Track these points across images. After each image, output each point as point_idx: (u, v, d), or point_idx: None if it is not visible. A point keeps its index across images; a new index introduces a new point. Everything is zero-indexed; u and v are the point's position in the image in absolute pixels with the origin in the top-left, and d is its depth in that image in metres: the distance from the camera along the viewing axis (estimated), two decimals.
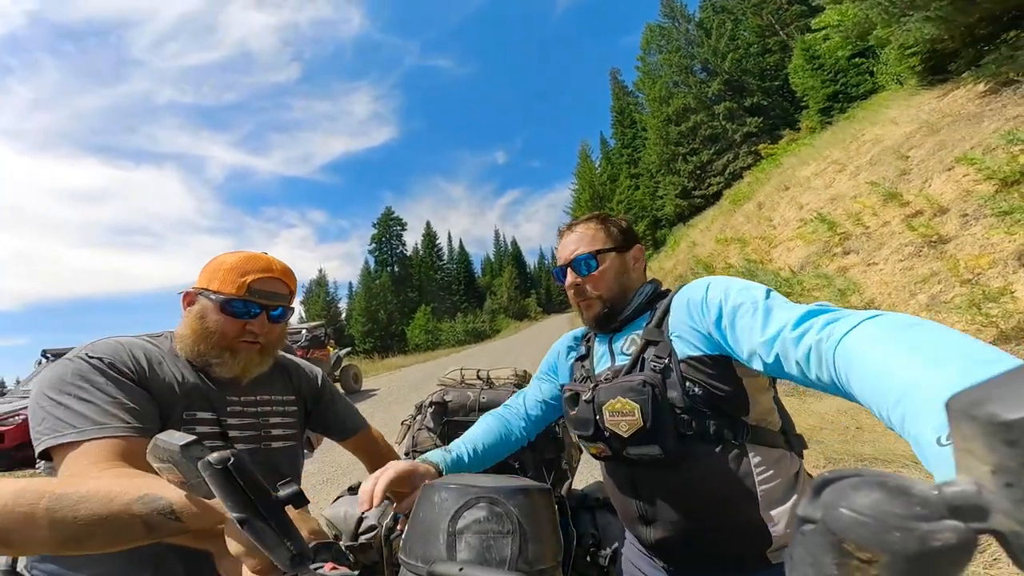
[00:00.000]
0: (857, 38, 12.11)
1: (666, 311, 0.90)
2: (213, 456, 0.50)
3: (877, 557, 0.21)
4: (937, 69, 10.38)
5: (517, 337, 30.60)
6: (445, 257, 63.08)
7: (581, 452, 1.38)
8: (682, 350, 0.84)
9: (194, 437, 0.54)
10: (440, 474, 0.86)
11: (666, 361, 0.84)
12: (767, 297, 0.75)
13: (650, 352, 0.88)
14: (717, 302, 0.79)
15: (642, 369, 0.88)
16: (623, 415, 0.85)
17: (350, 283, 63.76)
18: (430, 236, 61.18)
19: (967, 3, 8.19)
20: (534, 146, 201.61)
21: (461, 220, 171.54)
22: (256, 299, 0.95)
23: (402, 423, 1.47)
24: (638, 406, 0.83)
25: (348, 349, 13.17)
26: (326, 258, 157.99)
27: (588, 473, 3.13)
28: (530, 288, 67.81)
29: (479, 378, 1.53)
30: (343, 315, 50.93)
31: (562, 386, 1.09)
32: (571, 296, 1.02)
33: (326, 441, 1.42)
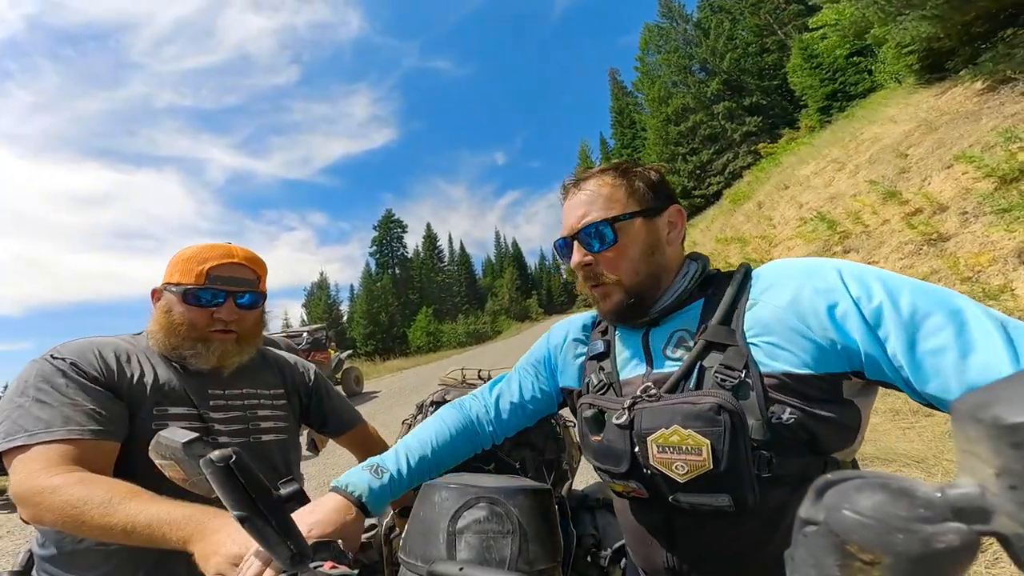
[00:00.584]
0: (854, 37, 12.11)
1: (733, 302, 0.67)
2: (215, 454, 0.50)
3: (880, 559, 0.21)
4: (935, 67, 10.38)
5: (518, 338, 30.57)
6: (446, 259, 63.25)
7: (582, 452, 1.38)
8: (770, 362, 0.61)
9: (196, 435, 0.55)
10: (364, 509, 0.71)
11: (740, 375, 0.61)
12: (984, 310, 0.52)
13: (712, 359, 0.65)
14: (875, 304, 0.56)
15: (701, 383, 0.64)
16: (681, 452, 0.61)
17: (351, 286, 63.80)
18: (431, 238, 61.35)
19: (963, 1, 8.19)
20: (534, 146, 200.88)
21: (461, 222, 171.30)
22: (218, 286, 0.93)
23: (403, 422, 1.47)
24: (708, 442, 0.59)
25: (350, 351, 13.15)
26: (327, 261, 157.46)
27: (588, 473, 3.12)
28: (531, 289, 67.88)
29: (480, 378, 1.53)
30: (344, 318, 51.12)
31: (570, 391, 0.88)
32: (580, 280, 0.77)
33: (328, 443, 1.42)
